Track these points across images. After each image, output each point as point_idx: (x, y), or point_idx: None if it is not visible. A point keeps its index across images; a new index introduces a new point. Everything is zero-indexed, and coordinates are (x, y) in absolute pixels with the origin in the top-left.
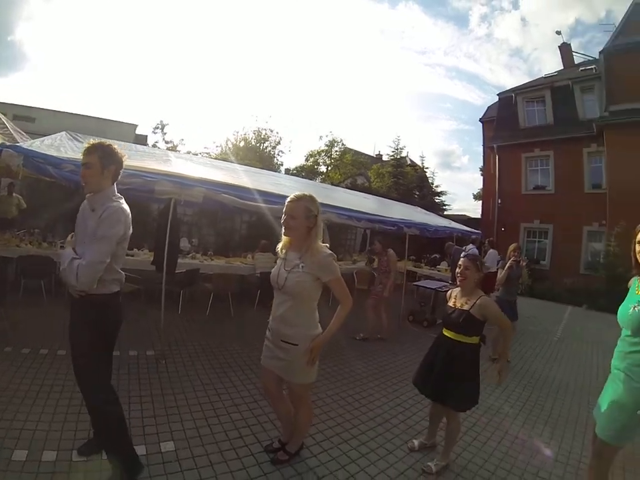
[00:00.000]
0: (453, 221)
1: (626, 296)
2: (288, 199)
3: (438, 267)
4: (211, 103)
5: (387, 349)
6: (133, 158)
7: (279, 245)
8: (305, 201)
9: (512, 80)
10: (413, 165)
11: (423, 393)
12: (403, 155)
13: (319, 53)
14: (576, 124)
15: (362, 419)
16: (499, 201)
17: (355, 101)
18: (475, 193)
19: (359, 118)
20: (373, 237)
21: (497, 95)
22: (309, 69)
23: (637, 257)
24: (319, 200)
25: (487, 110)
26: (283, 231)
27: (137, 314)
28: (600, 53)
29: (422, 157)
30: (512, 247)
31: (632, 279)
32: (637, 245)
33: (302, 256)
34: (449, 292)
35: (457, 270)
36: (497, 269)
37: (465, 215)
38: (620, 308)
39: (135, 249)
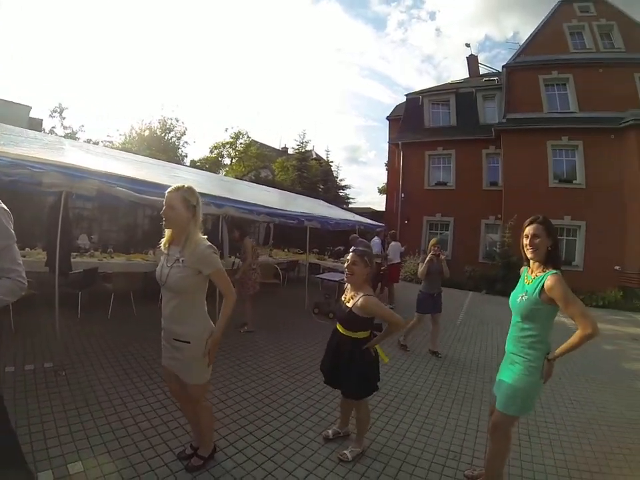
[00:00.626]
0: (358, 213)
1: (517, 282)
2: (167, 190)
3: (342, 259)
4: (118, 88)
5: (292, 342)
6: (21, 145)
7: (162, 240)
8: (183, 191)
9: (421, 83)
10: (318, 158)
11: (326, 382)
12: (309, 148)
13: (233, 43)
14: (477, 127)
15: (273, 414)
16: (403, 195)
17: (265, 93)
18: (380, 187)
19: (268, 111)
20: (277, 230)
21: (405, 95)
22: (221, 60)
23: (524, 250)
24: (219, 193)
25: (395, 109)
26: (163, 223)
27: (32, 322)
28: (503, 67)
29: (327, 151)
30: (432, 241)
31: (522, 268)
32: (523, 239)
33: (182, 250)
34: (345, 285)
35: (345, 265)
36: (400, 261)
37: (370, 208)
38: (511, 295)
39: (27, 249)
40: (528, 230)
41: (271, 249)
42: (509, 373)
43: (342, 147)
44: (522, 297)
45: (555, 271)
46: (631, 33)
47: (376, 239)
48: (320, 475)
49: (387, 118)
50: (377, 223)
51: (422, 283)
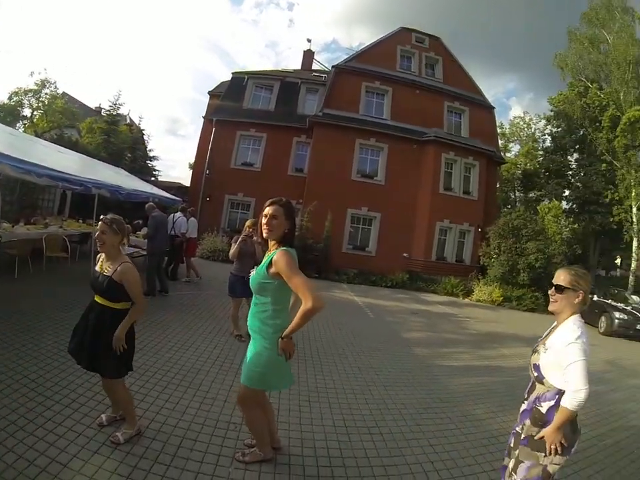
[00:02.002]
0: (165, 188)
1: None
2: None
3: (138, 232)
4: None
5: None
6: None
7: None
8: None
9: (258, 67)
10: (131, 124)
11: (80, 364)
12: (124, 112)
13: None
14: (294, 116)
15: (47, 404)
16: (207, 172)
17: (94, 45)
18: (192, 163)
19: (94, 64)
20: (75, 199)
21: (232, 73)
22: None
23: (261, 229)
24: None
25: (219, 85)
26: None
27: None
28: (333, 66)
29: (141, 118)
30: (249, 222)
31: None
32: (262, 218)
33: None
34: (98, 255)
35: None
36: (196, 236)
37: (178, 183)
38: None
39: None
40: (267, 210)
41: (64, 219)
42: (251, 347)
43: (162, 117)
44: (252, 272)
45: (285, 248)
46: (451, 71)
47: (180, 217)
48: (96, 463)
49: (209, 92)
50: (174, 197)
51: (233, 265)
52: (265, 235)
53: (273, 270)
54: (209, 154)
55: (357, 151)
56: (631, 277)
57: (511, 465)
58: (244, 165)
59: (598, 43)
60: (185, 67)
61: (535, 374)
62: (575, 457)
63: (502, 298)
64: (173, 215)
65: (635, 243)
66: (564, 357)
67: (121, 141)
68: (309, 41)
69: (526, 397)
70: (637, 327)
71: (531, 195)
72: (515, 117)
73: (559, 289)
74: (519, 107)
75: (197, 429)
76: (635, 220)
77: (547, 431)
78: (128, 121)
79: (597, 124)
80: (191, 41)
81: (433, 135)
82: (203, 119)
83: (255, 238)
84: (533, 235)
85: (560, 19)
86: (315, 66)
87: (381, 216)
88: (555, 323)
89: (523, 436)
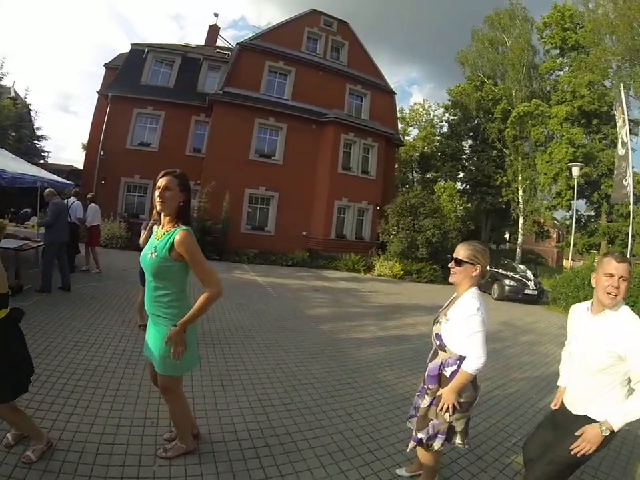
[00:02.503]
0: (57, 171)
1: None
2: None
3: (27, 222)
4: None
5: None
6: None
7: None
8: None
9: (157, 38)
10: (15, 98)
11: None
12: (7, 84)
13: None
14: (193, 94)
15: None
16: (102, 153)
17: None
18: (85, 143)
19: None
20: None
21: (131, 44)
22: None
23: (154, 203)
24: None
25: (116, 57)
26: None
27: None
28: (237, 44)
29: (27, 91)
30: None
31: (151, 223)
32: (155, 191)
33: None
34: None
35: None
36: (99, 223)
37: (70, 166)
38: (142, 253)
39: None
40: (160, 182)
41: None
42: (155, 334)
43: (55, 91)
44: (151, 254)
45: (185, 227)
46: (356, 56)
47: (74, 202)
48: None
49: (105, 65)
50: (66, 181)
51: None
52: (158, 207)
53: (175, 252)
54: (104, 133)
55: (255, 130)
56: (518, 249)
57: (419, 423)
58: (140, 145)
59: (497, 44)
60: (82, 34)
61: (437, 342)
62: (484, 405)
63: (402, 272)
64: (66, 200)
65: (521, 220)
66: (465, 328)
67: (3, 117)
68: (216, 15)
69: (428, 362)
70: (525, 292)
71: (428, 175)
72: (415, 104)
73: (458, 262)
74: (420, 95)
75: (113, 431)
76: (520, 200)
77: (444, 391)
78: (12, 94)
79: (490, 115)
80: (90, 4)
81: (333, 116)
82: (97, 95)
83: None
84: (429, 212)
85: (466, 19)
86: (219, 43)
87: (279, 195)
88: (455, 294)
89: (431, 398)
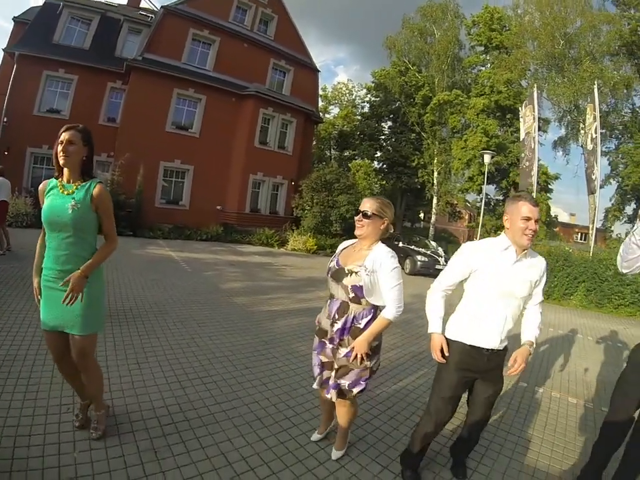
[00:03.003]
0: None
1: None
2: None
3: None
4: None
5: None
6: None
7: None
8: None
9: None
10: None
11: None
12: None
13: None
14: (111, 58)
15: None
16: (5, 120)
17: None
18: None
19: None
20: None
21: None
22: None
23: (56, 158)
24: None
25: (28, 10)
26: None
27: None
28: (161, 7)
29: None
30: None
31: (49, 182)
32: (58, 145)
33: None
34: None
35: None
36: (7, 199)
37: None
38: (50, 208)
39: None
40: (63, 136)
41: None
42: (48, 296)
43: None
44: (73, 206)
45: (100, 180)
46: (284, 30)
47: None
48: None
49: (14, 19)
50: None
51: None
52: (61, 162)
53: (93, 204)
54: (8, 97)
55: (174, 101)
56: (431, 228)
57: (333, 374)
58: (50, 111)
59: (426, 34)
60: None
61: (352, 294)
62: (396, 369)
63: (316, 246)
64: None
65: (434, 201)
66: (390, 280)
67: None
68: None
69: (336, 317)
70: (436, 267)
71: (345, 153)
72: (339, 83)
73: (366, 215)
74: (345, 75)
75: (28, 422)
76: (435, 182)
77: (359, 341)
78: None
79: (412, 100)
80: None
81: (254, 90)
82: (2, 52)
83: None
84: (344, 189)
85: (396, 5)
86: (143, 4)
87: (194, 169)
88: (354, 244)
89: (346, 350)
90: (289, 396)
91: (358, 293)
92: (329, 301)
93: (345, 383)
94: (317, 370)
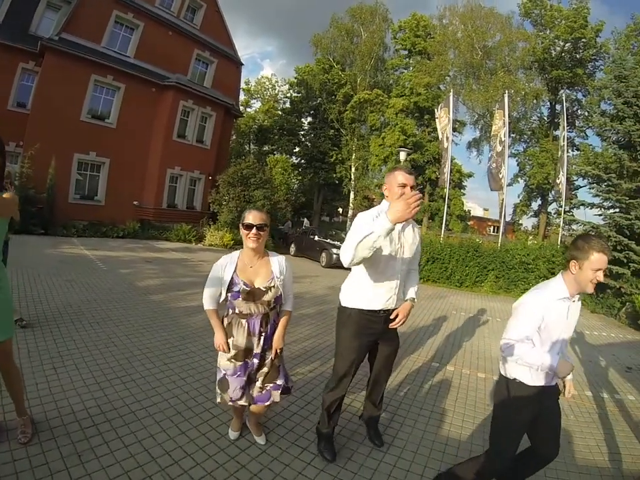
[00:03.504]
0: None
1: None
2: None
3: None
4: None
5: None
6: None
7: None
8: None
9: None
10: None
11: None
12: None
13: None
14: (24, 35)
15: None
16: None
17: None
18: None
19: None
20: None
21: None
22: None
23: None
24: None
25: None
26: None
27: None
28: None
29: None
30: (6, 172)
31: None
32: None
33: None
34: None
35: None
36: None
37: None
38: None
39: None
40: None
41: None
42: None
43: None
44: None
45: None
46: (211, 20)
47: None
48: None
49: None
50: None
51: None
52: None
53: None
54: None
55: (90, 88)
56: (348, 222)
57: (272, 374)
58: None
59: (354, 35)
60: None
61: (273, 305)
62: (311, 358)
63: (233, 241)
64: None
65: (352, 195)
66: (290, 278)
67: None
68: None
69: (261, 330)
70: None
71: (265, 148)
72: (262, 77)
73: (262, 228)
74: (271, 69)
75: None
76: (353, 177)
77: (277, 338)
78: None
79: (333, 97)
80: None
81: (175, 81)
82: None
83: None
84: (260, 183)
85: (326, 3)
86: None
87: (110, 162)
88: (240, 257)
89: (272, 355)
90: (207, 389)
91: (278, 302)
92: (241, 321)
93: (281, 381)
94: (238, 393)
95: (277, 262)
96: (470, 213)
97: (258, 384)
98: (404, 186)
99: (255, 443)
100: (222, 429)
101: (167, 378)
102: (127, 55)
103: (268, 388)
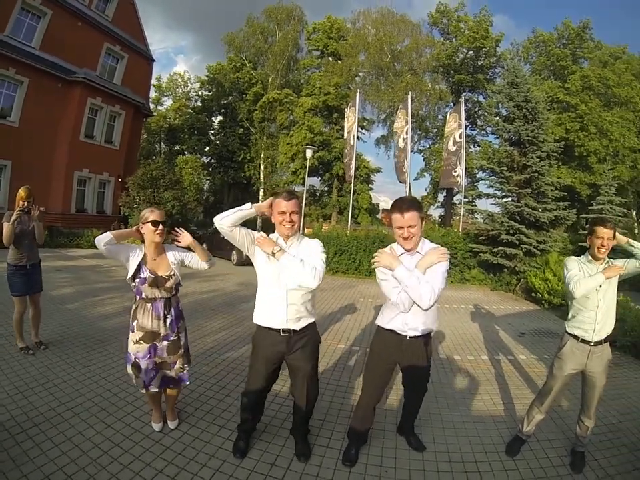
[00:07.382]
0: None
1: None
2: None
3: None
4: None
5: None
6: None
7: None
8: None
9: None
10: None
11: None
12: None
13: None
14: None
15: None
16: None
17: None
18: None
19: None
20: None
21: None
22: None
23: None
24: None
25: None
26: None
27: None
28: None
29: None
30: (23, 191)
31: None
32: None
33: None
34: None
35: None
36: None
37: None
38: None
39: None
40: None
41: None
42: None
43: None
44: None
45: None
46: (124, 13)
47: None
48: None
49: None
50: None
51: (9, 252)
52: None
53: None
54: None
55: None
56: (258, 219)
57: (180, 363)
58: None
59: (268, 34)
60: None
61: (174, 290)
62: (226, 349)
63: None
64: None
65: (261, 193)
66: (188, 253)
67: None
68: None
69: (165, 313)
70: None
71: (175, 148)
72: (175, 73)
73: (165, 224)
74: (185, 65)
75: None
76: (262, 176)
77: (186, 238)
78: None
79: (243, 96)
80: None
81: (83, 76)
82: None
83: (34, 213)
84: (170, 184)
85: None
86: None
87: (12, 164)
88: (146, 250)
89: (182, 340)
90: (127, 384)
91: (178, 287)
92: (147, 305)
93: (187, 365)
94: (150, 375)
95: (170, 249)
96: (379, 207)
97: (165, 372)
98: (283, 213)
99: (177, 427)
100: (145, 418)
101: (89, 379)
102: (32, 46)
103: (179, 371)
